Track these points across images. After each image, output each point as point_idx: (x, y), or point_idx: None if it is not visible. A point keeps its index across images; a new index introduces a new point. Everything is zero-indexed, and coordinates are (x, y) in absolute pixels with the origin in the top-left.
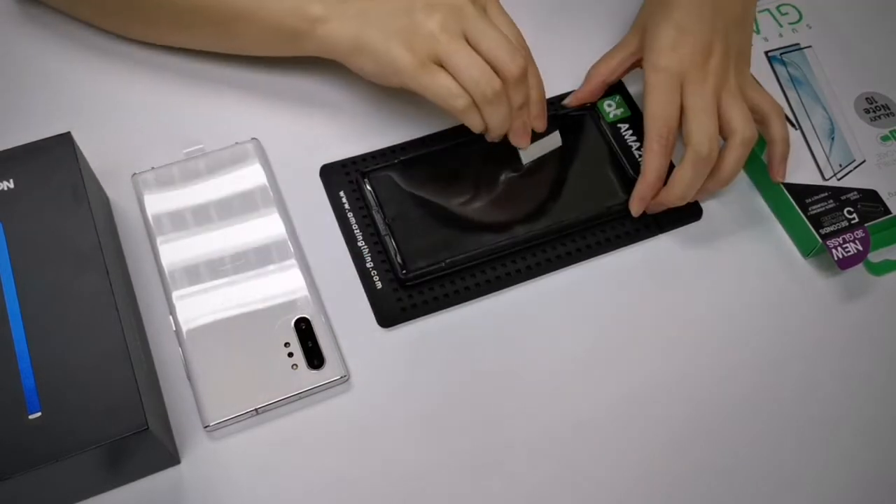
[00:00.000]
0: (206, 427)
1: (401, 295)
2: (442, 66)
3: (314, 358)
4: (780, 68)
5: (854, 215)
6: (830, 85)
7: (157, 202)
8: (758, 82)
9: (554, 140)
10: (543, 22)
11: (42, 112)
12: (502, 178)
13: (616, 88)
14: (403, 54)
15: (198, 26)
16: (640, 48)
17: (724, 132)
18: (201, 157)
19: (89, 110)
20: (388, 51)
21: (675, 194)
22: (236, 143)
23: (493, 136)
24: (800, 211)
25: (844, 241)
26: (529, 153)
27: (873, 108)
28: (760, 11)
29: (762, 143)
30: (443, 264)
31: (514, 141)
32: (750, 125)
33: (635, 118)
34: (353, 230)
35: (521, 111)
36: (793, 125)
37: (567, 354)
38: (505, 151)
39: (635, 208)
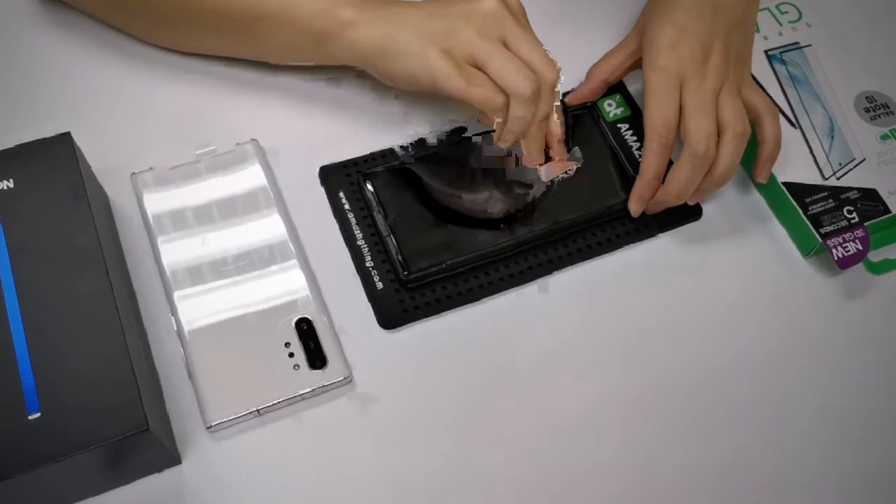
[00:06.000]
0: (208, 427)
1: (403, 296)
2: (478, 67)
3: (316, 359)
4: (779, 67)
5: (854, 214)
6: (830, 84)
7: (157, 202)
8: (759, 84)
9: (574, 157)
10: (545, 21)
11: (42, 112)
12: (503, 178)
13: (616, 88)
14: (440, 57)
15: (225, 31)
16: (640, 48)
17: (719, 130)
18: (201, 158)
19: (89, 110)
20: (424, 53)
21: (673, 193)
22: (236, 143)
23: (507, 139)
24: (799, 210)
25: (844, 241)
26: (549, 171)
27: (873, 107)
28: (760, 10)
29: None
30: (444, 265)
31: (527, 150)
32: (742, 121)
33: (635, 118)
34: (353, 231)
35: (542, 123)
36: (792, 124)
37: (569, 355)
38: (508, 152)
39: (634, 208)
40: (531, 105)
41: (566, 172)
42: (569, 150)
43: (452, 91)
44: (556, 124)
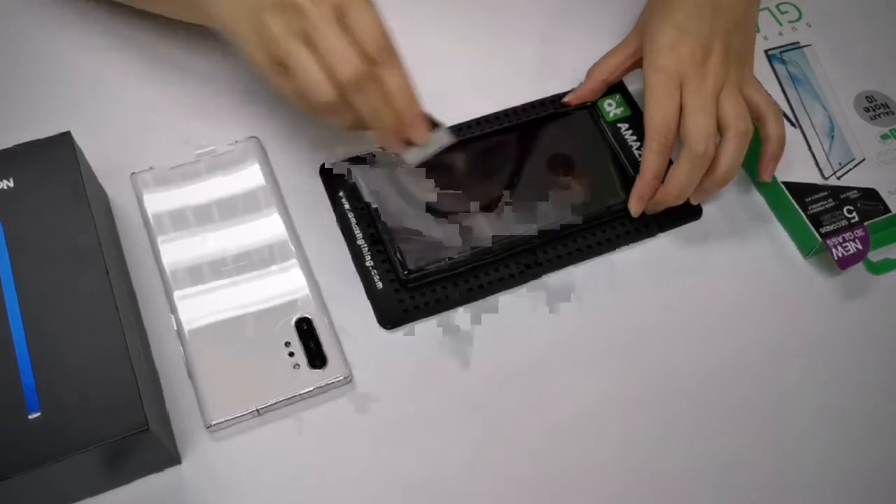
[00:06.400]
0: (208, 427)
1: (403, 296)
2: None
3: (316, 358)
4: (779, 67)
5: (854, 214)
6: (830, 83)
7: (157, 202)
8: (760, 84)
9: (440, 139)
10: (546, 21)
11: (42, 112)
12: (504, 178)
13: (616, 88)
14: (255, 53)
15: None
16: (640, 48)
17: (720, 130)
18: (200, 158)
19: (89, 110)
20: (245, 49)
21: (672, 193)
22: (236, 141)
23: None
24: (799, 210)
25: (844, 240)
26: (412, 156)
27: (873, 107)
28: (760, 10)
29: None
30: (444, 265)
31: (374, 137)
32: (744, 120)
33: (635, 117)
34: (353, 230)
35: (375, 115)
36: (792, 124)
37: (569, 355)
38: (508, 151)
39: (634, 208)
40: (335, 111)
41: (441, 150)
42: (434, 128)
43: (275, 92)
44: (404, 111)
